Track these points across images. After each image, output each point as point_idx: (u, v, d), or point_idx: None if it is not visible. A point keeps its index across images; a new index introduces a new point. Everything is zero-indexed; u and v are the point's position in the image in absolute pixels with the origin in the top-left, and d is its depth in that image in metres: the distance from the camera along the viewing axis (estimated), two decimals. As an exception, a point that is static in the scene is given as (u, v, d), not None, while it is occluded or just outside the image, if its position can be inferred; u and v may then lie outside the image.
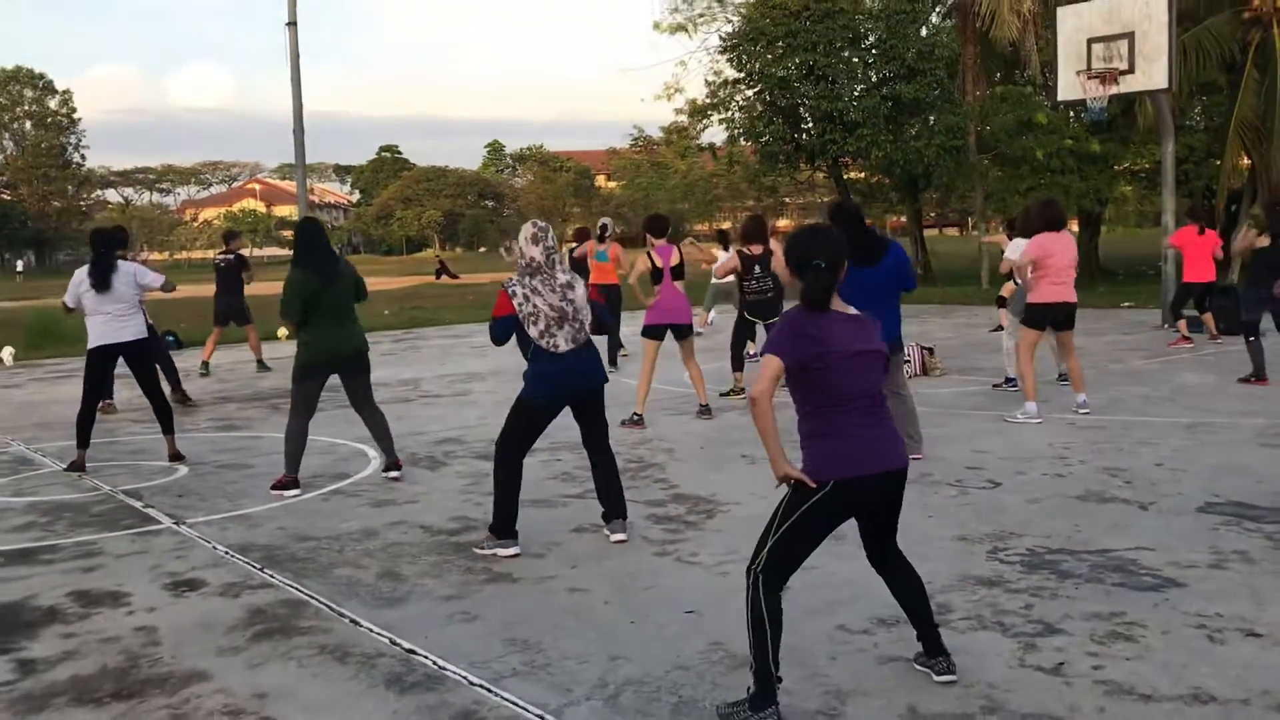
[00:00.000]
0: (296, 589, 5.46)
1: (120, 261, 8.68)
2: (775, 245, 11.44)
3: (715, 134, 35.11)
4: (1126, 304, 21.48)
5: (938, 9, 29.47)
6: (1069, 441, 8.38)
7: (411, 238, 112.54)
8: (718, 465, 8.01)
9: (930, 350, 12.50)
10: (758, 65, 25.54)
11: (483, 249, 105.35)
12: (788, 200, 47.04)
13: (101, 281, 8.31)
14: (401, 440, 8.61)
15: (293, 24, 21.35)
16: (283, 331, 19.37)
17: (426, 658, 4.50)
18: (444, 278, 49.62)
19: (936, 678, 4.08)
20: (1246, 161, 27.50)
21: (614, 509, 6.19)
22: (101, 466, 8.69)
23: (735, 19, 32.88)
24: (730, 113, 28.28)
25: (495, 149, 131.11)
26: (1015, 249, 10.29)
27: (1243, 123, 26.44)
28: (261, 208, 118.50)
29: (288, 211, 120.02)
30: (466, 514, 6.87)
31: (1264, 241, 10.72)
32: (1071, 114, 28.34)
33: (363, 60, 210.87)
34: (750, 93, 27.50)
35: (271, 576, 5.68)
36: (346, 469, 8.36)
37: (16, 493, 7.92)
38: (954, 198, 39.15)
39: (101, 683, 4.37)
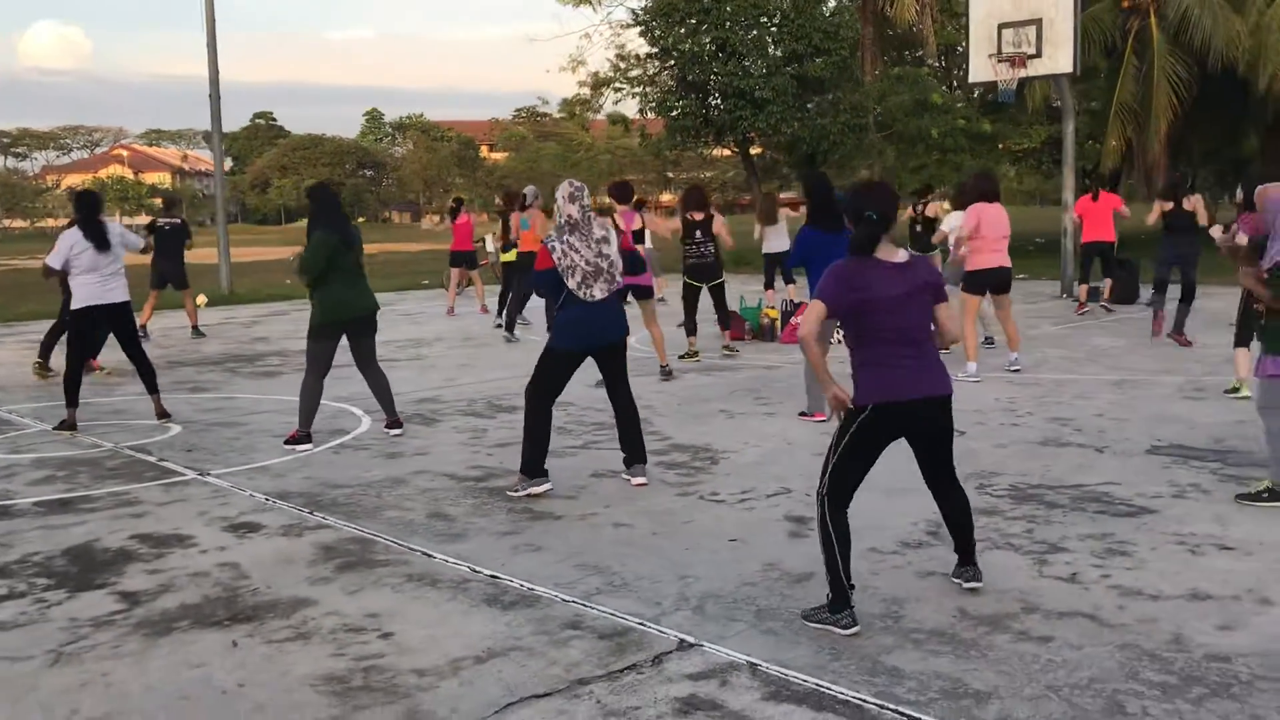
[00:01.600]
0: (355, 529, 5.82)
1: (107, 222, 8.78)
2: (715, 213, 12.09)
3: (619, 106, 35.57)
4: (1021, 276, 22.67)
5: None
6: (1013, 396, 9.17)
7: (290, 207, 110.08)
8: (701, 419, 8.55)
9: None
10: (670, 41, 26.00)
11: (361, 219, 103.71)
12: (677, 175, 47.77)
13: (103, 241, 8.41)
14: (368, 400, 8.80)
15: (208, -13, 21.03)
16: (202, 299, 19.20)
17: (512, 581, 4.94)
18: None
19: (965, 585, 4.69)
20: (1119, 143, 29.11)
21: (635, 454, 6.68)
22: (88, 425, 8.78)
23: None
24: (643, 87, 28.71)
25: (374, 117, 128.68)
26: (952, 221, 11.13)
27: (1123, 106, 28.03)
28: (130, 174, 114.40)
29: (158, 179, 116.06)
30: (481, 463, 7.28)
31: (1167, 206, 11.88)
32: (974, 94, 29.64)
33: (233, 22, 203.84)
34: (662, 67, 27.96)
35: (324, 519, 6.02)
36: (340, 426, 8.63)
37: (14, 450, 8.01)
38: (850, 174, 40.33)
39: (213, 609, 4.70)
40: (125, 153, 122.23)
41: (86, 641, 4.38)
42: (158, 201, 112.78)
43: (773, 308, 13.66)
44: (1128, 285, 16.04)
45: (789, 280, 14.88)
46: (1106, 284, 15.52)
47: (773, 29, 26.85)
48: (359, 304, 7.96)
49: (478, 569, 5.12)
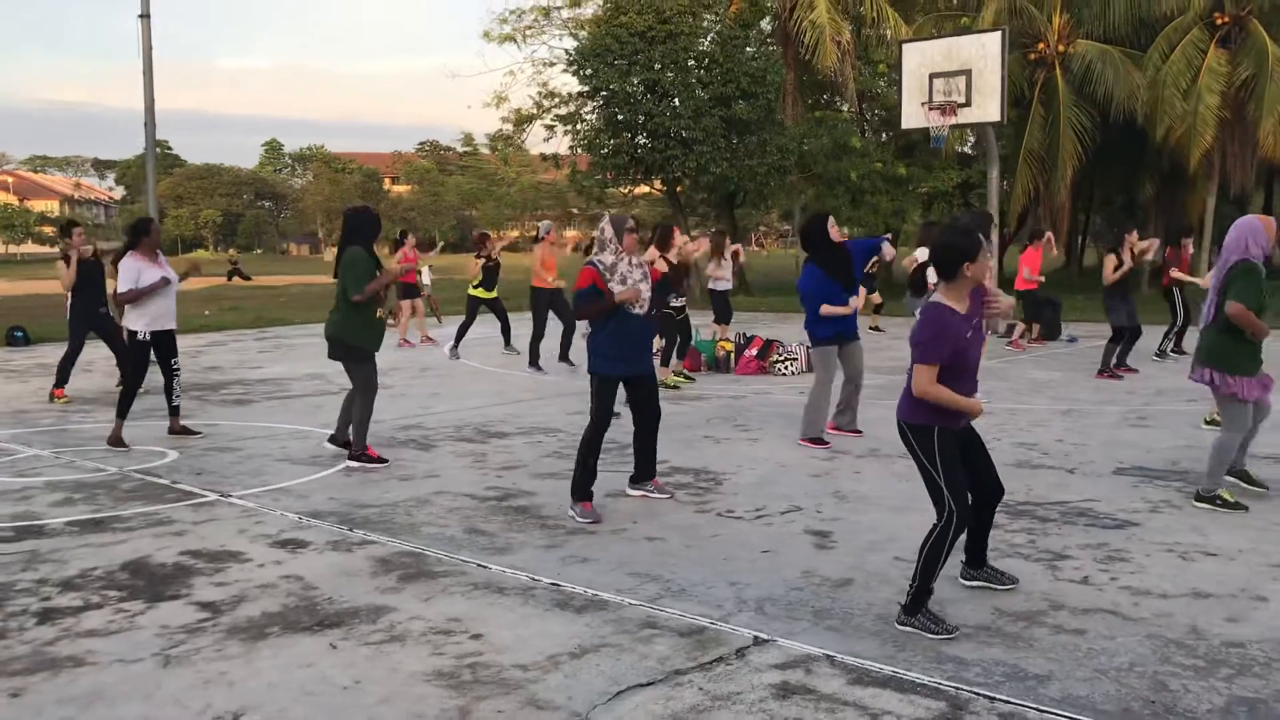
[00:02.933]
0: (402, 544, 6.08)
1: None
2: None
3: (549, 144, 35.96)
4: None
5: (759, 33, 31.34)
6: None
7: (185, 237, 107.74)
8: (690, 445, 8.94)
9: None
10: (602, 80, 26.58)
11: (259, 250, 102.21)
12: (592, 210, 48.45)
13: (171, 270, 8.92)
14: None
15: (145, 16, 20.94)
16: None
17: (575, 588, 5.27)
18: (236, 279, 48.42)
19: (1003, 586, 5.16)
20: (1027, 187, 30.50)
21: (649, 470, 7.06)
22: (80, 450, 8.83)
23: (566, 34, 33.94)
24: (572, 124, 29.22)
25: (273, 148, 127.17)
26: (921, 255, 11.99)
27: (1030, 153, 29.46)
28: (15, 201, 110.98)
29: (46, 206, 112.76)
30: (494, 484, 7.56)
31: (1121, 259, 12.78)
32: (884, 137, 30.81)
33: (122, 49, 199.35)
34: (593, 107, 28.53)
35: (366, 535, 6.26)
36: (320, 452, 8.74)
37: (19, 474, 8.04)
38: (770, 214, 41.51)
39: (297, 616, 4.94)
40: (10, 179, 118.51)
41: (187, 646, 4.58)
42: (47, 230, 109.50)
43: (727, 340, 14.16)
44: (1053, 323, 16.99)
45: (725, 320, 15.28)
46: (1034, 326, 16.40)
47: (700, 72, 27.63)
48: (380, 330, 8.31)
49: (537, 577, 5.44)
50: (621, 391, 6.99)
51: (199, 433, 9.52)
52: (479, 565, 5.67)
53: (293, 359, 15.98)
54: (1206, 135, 27.90)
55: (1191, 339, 13.17)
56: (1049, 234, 16.17)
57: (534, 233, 15.70)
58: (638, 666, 4.30)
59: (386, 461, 8.18)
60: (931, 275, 12.18)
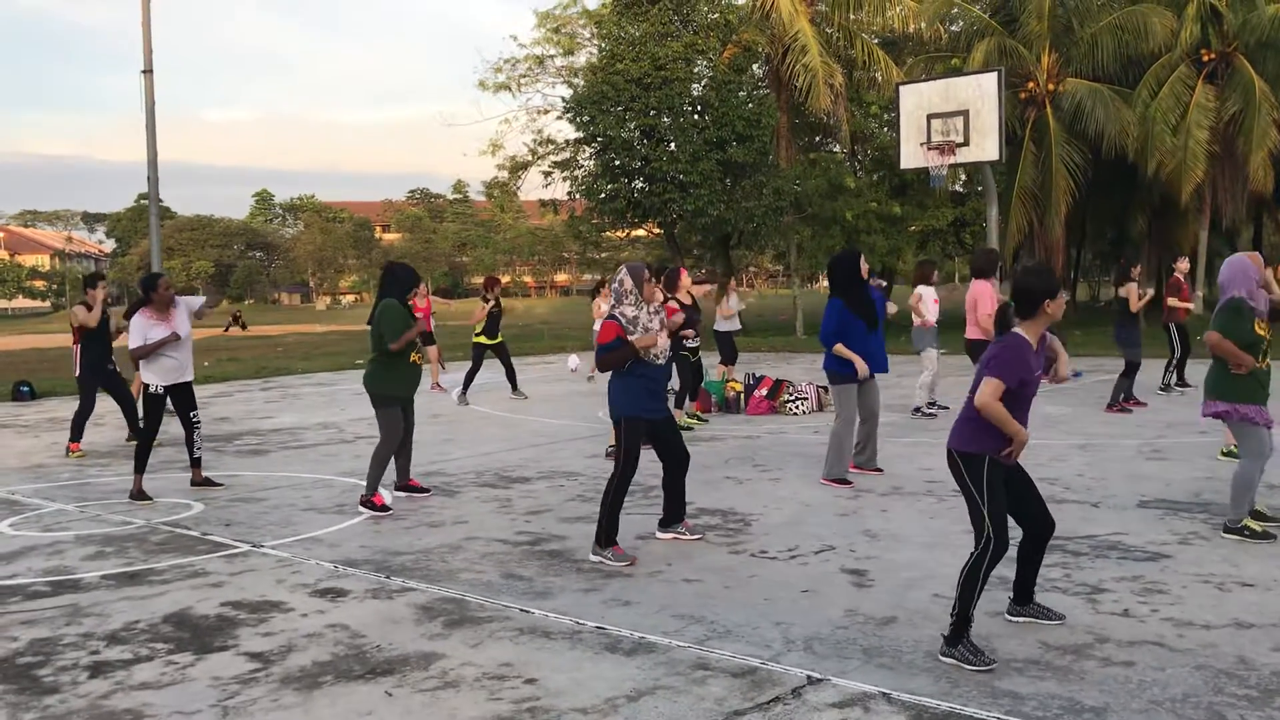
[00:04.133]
0: (441, 590, 6.10)
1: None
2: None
3: (536, 189, 36.30)
4: (942, 350, 23.77)
5: (752, 77, 31.73)
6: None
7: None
8: (713, 485, 8.99)
9: (825, 389, 13.91)
10: (600, 127, 26.87)
11: (249, 300, 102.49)
12: (595, 256, 48.88)
13: (184, 324, 8.94)
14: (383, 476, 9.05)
15: (149, 71, 21.14)
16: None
17: (621, 631, 5.30)
18: (232, 329, 48.49)
19: (1053, 620, 5.20)
20: (1021, 224, 30.79)
21: (679, 513, 7.11)
22: (102, 504, 8.85)
23: (560, 82, 34.31)
24: (570, 170, 29.50)
25: (264, 198, 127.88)
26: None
27: (1023, 190, 29.79)
28: (6, 256, 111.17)
29: (37, 261, 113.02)
30: (524, 529, 7.59)
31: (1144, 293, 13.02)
32: (875, 176, 31.13)
33: (107, 102, 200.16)
34: (591, 153, 28.82)
35: (405, 583, 6.28)
36: (347, 500, 8.77)
37: (47, 529, 8.04)
38: (767, 254, 41.85)
39: (348, 665, 4.95)
40: (1, 234, 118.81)
41: (243, 697, 4.60)
42: (38, 284, 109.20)
43: (735, 380, 14.23)
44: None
45: (731, 361, 15.39)
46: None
47: (695, 116, 27.96)
48: (415, 379, 8.46)
49: (582, 621, 5.47)
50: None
51: (221, 484, 9.55)
52: (521, 610, 5.69)
53: (301, 408, 16.01)
54: (1197, 169, 28.27)
55: (1193, 371, 13.36)
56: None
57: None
58: (696, 708, 4.33)
59: (389, 510, 8.23)
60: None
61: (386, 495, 8.39)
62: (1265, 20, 28.23)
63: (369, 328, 8.49)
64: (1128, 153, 28.76)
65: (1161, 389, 14.41)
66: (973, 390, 4.91)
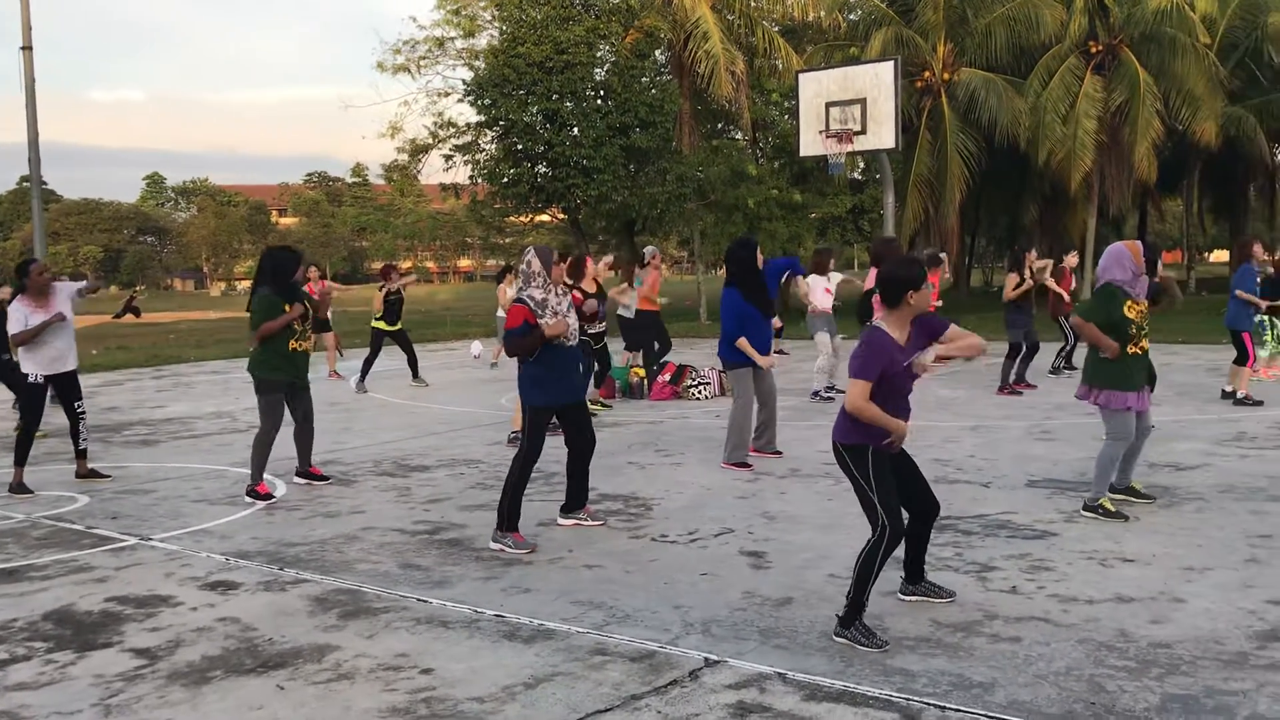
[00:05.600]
0: (336, 581, 6.00)
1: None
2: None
3: (437, 173, 35.90)
4: (841, 336, 24.13)
5: (654, 63, 31.75)
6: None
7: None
8: (616, 471, 8.99)
9: (724, 372, 14.02)
10: (502, 111, 26.62)
11: (140, 286, 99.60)
12: (499, 241, 48.35)
13: (65, 309, 8.74)
14: (275, 465, 8.85)
15: (27, 48, 20.32)
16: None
17: (519, 619, 5.27)
18: (127, 316, 47.25)
19: (943, 599, 5.32)
20: (917, 211, 31.40)
21: (582, 499, 7.10)
22: (-16, 497, 8.52)
23: (461, 64, 33.88)
24: (473, 154, 29.17)
25: (155, 181, 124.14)
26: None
27: (919, 179, 30.35)
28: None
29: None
30: (423, 519, 7.50)
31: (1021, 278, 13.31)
32: (777, 164, 31.42)
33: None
34: (492, 136, 28.54)
35: (299, 574, 6.16)
36: (238, 491, 8.57)
37: (-82, 524, 7.71)
38: (671, 240, 41.94)
39: (239, 659, 4.84)
40: None
41: (127, 694, 4.46)
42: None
43: (639, 366, 14.26)
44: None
45: (635, 347, 15.46)
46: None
47: (598, 101, 27.87)
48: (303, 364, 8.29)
49: (480, 610, 5.42)
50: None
51: (108, 475, 9.25)
52: (419, 600, 5.63)
53: (194, 397, 15.61)
54: (1085, 159, 29.09)
55: (1082, 356, 13.80)
56: (945, 257, 16.71)
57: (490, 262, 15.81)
58: (594, 693, 4.32)
59: (274, 498, 8.13)
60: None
61: (278, 485, 8.23)
62: (1148, 13, 29.16)
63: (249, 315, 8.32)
64: (1020, 142, 29.48)
65: (1052, 372, 14.83)
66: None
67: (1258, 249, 12.38)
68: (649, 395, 13.74)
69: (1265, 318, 12.67)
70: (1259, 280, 12.15)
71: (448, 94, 33.96)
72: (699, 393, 13.62)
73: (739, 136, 34.78)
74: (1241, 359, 11.77)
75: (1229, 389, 11.98)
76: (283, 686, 4.50)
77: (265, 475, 8.35)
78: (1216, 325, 13.03)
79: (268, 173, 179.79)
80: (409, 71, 34.54)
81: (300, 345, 8.30)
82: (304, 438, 8.68)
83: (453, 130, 33.08)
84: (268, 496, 8.12)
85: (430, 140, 34.59)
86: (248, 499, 8.11)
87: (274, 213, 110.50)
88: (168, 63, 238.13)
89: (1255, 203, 42.39)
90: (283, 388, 8.30)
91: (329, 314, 17.61)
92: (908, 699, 4.18)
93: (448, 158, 30.18)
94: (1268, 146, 34.69)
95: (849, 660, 4.61)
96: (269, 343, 8.15)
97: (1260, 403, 11.56)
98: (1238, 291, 11.88)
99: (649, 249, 15.61)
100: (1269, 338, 12.96)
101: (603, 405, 12.78)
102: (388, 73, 34.53)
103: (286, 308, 8.13)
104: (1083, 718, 3.98)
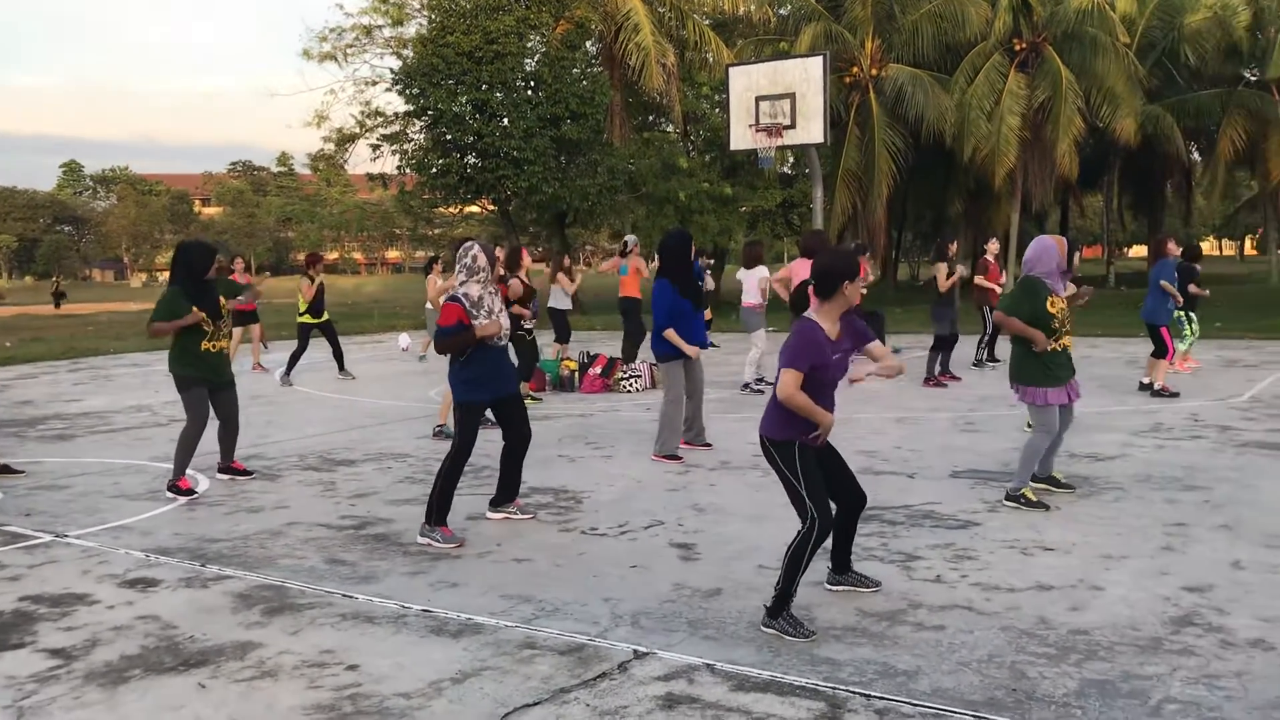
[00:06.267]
0: (260, 577, 5.89)
1: None
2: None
3: (364, 163, 35.51)
4: (771, 329, 24.30)
5: (585, 55, 31.67)
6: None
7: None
8: (546, 464, 8.95)
9: (655, 365, 14.04)
10: (430, 100, 26.36)
11: (59, 276, 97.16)
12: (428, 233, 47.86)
13: None
14: (198, 460, 8.58)
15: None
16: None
17: (447, 613, 5.23)
18: (64, 306, 46.65)
19: (870, 589, 5.38)
20: (846, 205, 31.73)
21: (512, 493, 7.06)
22: (-110, 494, 8.24)
23: (389, 53, 33.51)
24: (401, 144, 28.85)
25: (72, 169, 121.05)
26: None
27: (847, 173, 30.66)
28: None
29: None
30: (349, 513, 7.40)
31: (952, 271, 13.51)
32: (707, 157, 31.53)
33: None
34: (420, 125, 28.25)
35: (221, 570, 6.05)
36: (159, 487, 8.39)
37: None
38: (603, 233, 41.88)
39: (159, 657, 4.74)
40: None
41: (41, 695, 4.34)
42: None
43: (570, 359, 14.22)
44: (878, 335, 17.70)
45: (565, 339, 15.46)
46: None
47: (528, 92, 27.72)
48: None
49: (407, 605, 5.37)
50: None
51: (21, 471, 8.99)
52: (344, 595, 5.55)
53: (113, 390, 15.25)
54: (1009, 155, 29.61)
55: (1004, 348, 14.05)
56: (868, 251, 16.94)
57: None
58: (522, 687, 4.30)
59: (195, 494, 7.97)
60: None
61: (200, 480, 8.07)
62: (1070, 12, 29.76)
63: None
64: (945, 137, 29.93)
65: (975, 364, 15.08)
66: (777, 377, 4.98)
67: (1171, 245, 12.69)
68: (579, 388, 13.71)
69: (1183, 313, 13.04)
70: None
71: (375, 83, 33.61)
72: (630, 385, 13.63)
73: (670, 129, 34.82)
74: (1159, 352, 12.06)
75: (1147, 381, 12.28)
76: (204, 685, 4.41)
77: (187, 470, 8.18)
78: (1135, 319, 13.35)
79: (190, 162, 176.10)
80: (336, 60, 34.19)
81: (214, 345, 8.09)
82: (227, 435, 8.52)
83: (380, 120, 32.73)
84: (189, 492, 7.96)
85: (357, 130, 34.22)
86: (169, 494, 7.94)
87: (197, 202, 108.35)
88: (88, 50, 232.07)
89: (1172, 199, 43.50)
90: (206, 384, 8.12)
91: (255, 305, 17.33)
92: (834, 688, 4.23)
93: (375, 147, 29.85)
94: (1184, 145, 35.63)
95: (776, 650, 4.65)
96: (182, 341, 7.96)
97: (1177, 394, 11.86)
98: (1160, 282, 12.15)
99: (630, 238, 15.68)
100: (1188, 332, 13.33)
101: (533, 398, 12.72)
102: (314, 61, 34.14)
103: (194, 309, 7.89)
104: (1004, 704, 4.05)
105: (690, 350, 8.89)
